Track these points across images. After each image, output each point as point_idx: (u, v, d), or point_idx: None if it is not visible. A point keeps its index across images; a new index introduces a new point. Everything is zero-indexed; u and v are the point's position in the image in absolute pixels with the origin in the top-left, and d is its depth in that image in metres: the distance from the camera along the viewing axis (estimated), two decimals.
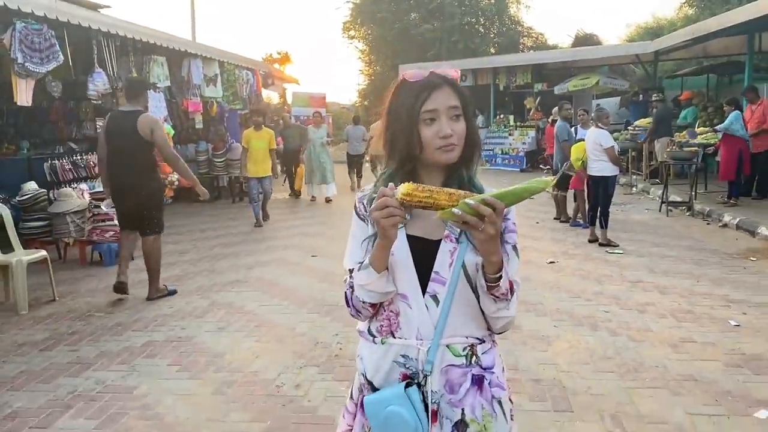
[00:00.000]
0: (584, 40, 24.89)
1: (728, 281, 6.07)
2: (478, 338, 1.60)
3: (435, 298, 1.55)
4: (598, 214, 7.81)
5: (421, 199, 1.39)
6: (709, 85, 18.11)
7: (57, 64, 7.11)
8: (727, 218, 8.99)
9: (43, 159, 8.59)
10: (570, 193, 9.45)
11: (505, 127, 19.43)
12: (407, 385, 1.52)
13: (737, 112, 9.80)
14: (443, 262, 1.54)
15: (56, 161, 8.59)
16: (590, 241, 7.93)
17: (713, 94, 16.96)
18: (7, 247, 5.75)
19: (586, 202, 8.49)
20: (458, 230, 1.52)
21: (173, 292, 6.05)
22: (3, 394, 3.87)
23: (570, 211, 9.44)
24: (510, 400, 1.67)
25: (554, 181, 1.36)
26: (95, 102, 8.45)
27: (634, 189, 13.05)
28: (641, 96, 16.97)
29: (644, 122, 13.97)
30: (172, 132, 10.39)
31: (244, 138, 9.95)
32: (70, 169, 8.69)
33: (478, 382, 1.58)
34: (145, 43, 9.44)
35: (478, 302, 1.55)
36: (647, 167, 13.41)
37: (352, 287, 1.57)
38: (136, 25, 9.24)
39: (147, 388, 3.93)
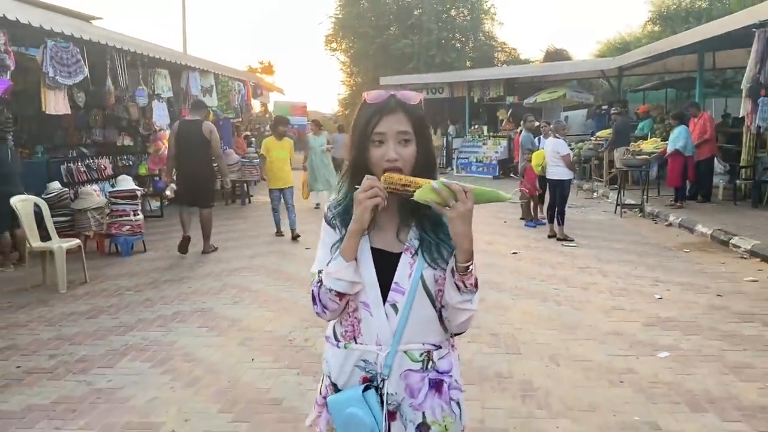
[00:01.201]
0: (555, 55, 26.24)
1: (661, 267, 7.20)
2: (434, 344, 1.71)
3: (394, 306, 1.66)
4: (556, 212, 8.93)
5: (402, 179, 1.57)
6: (668, 99, 19.50)
7: (83, 76, 8.05)
8: (672, 218, 10.18)
9: (59, 162, 9.48)
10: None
11: (479, 137, 20.60)
12: (365, 389, 1.64)
13: (684, 126, 11.02)
14: (403, 273, 1.65)
15: (72, 164, 9.50)
16: (549, 237, 9.04)
17: (672, 107, 18.31)
18: (39, 238, 6.66)
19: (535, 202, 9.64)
20: (417, 244, 1.66)
21: (216, 249, 8.45)
22: (69, 348, 4.82)
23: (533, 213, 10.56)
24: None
25: (512, 197, 1.78)
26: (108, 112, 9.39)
27: (594, 194, 14.27)
28: (603, 109, 18.25)
29: (605, 133, 15.21)
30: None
31: (264, 147, 9.56)
32: (84, 171, 9.60)
33: (436, 385, 1.69)
34: (151, 58, 10.39)
35: (435, 310, 1.69)
36: (607, 174, 14.62)
37: (320, 282, 1.67)
38: (143, 41, 10.20)
39: (184, 342, 4.91)
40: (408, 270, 1.64)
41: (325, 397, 1.75)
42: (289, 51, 65.33)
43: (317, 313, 1.70)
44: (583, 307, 5.70)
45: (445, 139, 21.59)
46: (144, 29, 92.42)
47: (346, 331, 1.71)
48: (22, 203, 6.50)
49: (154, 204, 11.30)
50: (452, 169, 20.42)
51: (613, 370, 4.23)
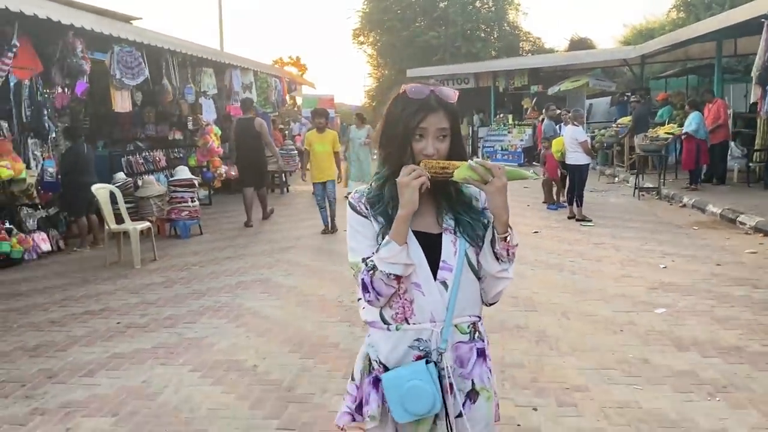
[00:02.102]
0: (578, 43, 26.68)
1: (669, 242, 7.89)
2: (477, 316, 1.84)
3: (444, 283, 1.75)
4: (575, 195, 9.64)
5: (440, 162, 1.70)
6: (690, 86, 19.89)
7: (144, 78, 9.01)
8: (686, 200, 10.81)
9: (120, 155, 10.47)
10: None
11: (504, 126, 21.25)
12: (426, 362, 1.72)
13: (697, 113, 11.62)
14: (449, 251, 1.76)
15: (131, 157, 10.48)
16: (569, 218, 9.76)
17: (693, 93, 18.71)
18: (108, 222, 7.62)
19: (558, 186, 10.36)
20: (453, 224, 1.78)
21: (273, 211, 10.71)
22: (155, 309, 5.74)
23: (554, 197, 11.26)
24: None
25: (533, 175, 1.88)
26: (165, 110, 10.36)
27: (616, 179, 14.89)
28: (626, 96, 18.75)
29: (625, 120, 15.78)
30: (219, 132, 12.26)
31: (306, 140, 9.53)
32: (142, 163, 10.58)
33: (481, 354, 1.82)
34: (199, 58, 11.31)
35: (478, 284, 1.81)
36: (628, 160, 15.21)
37: (371, 269, 1.72)
38: (192, 43, 11.15)
39: (250, 305, 5.80)
40: (452, 248, 1.75)
41: (359, 382, 1.83)
42: (316, 44, 66.24)
43: (369, 301, 1.76)
44: (594, 276, 6.46)
45: (470, 128, 22.27)
46: (179, 27, 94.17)
47: (396, 314, 1.77)
48: (101, 191, 7.46)
49: (203, 193, 12.25)
50: (478, 157, 21.07)
51: (615, 323, 5.00)
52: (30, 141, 7.67)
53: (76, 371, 4.30)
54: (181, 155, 12.09)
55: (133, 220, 8.59)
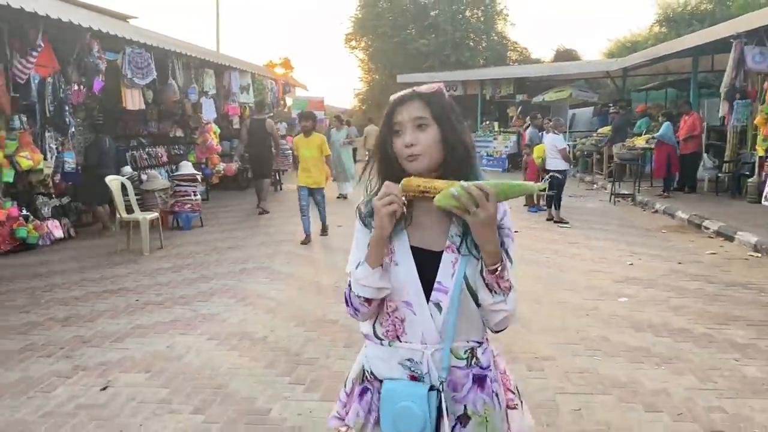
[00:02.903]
0: (564, 54, 27.52)
1: (638, 243, 8.58)
2: (477, 341, 1.72)
3: (438, 306, 1.65)
4: (554, 199, 10.31)
5: (420, 185, 1.55)
6: (669, 98, 20.74)
7: (153, 77, 9.56)
8: (657, 206, 11.53)
9: (125, 150, 10.99)
10: None
11: (490, 132, 21.98)
12: (430, 388, 1.63)
13: (668, 123, 12.39)
14: (446, 272, 1.64)
15: (135, 152, 11.02)
16: (547, 220, 10.44)
17: (671, 106, 19.56)
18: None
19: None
20: (459, 241, 1.64)
21: (267, 212, 11.34)
22: (168, 290, 6.31)
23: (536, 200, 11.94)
24: (515, 389, 1.87)
25: (542, 187, 1.64)
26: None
27: (594, 186, 15.62)
28: (608, 107, 19.54)
29: (605, 130, 16.54)
30: (219, 131, 12.83)
31: (294, 145, 9.31)
32: (146, 158, 11.13)
33: (479, 380, 1.70)
34: (201, 60, 11.86)
35: (478, 308, 1.66)
36: (607, 168, 15.96)
37: (350, 285, 1.69)
38: (195, 46, 11.71)
39: (254, 288, 6.38)
40: (451, 269, 1.64)
41: (362, 390, 1.76)
42: (306, 47, 67.03)
43: (350, 314, 1.74)
44: (567, 270, 7.12)
45: None
46: (174, 26, 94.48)
47: (387, 331, 1.72)
48: (113, 182, 8.00)
49: (200, 188, 12.78)
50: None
51: (582, 308, 5.65)
52: (47, 134, 8.19)
53: (106, 338, 4.87)
54: (182, 152, 12.63)
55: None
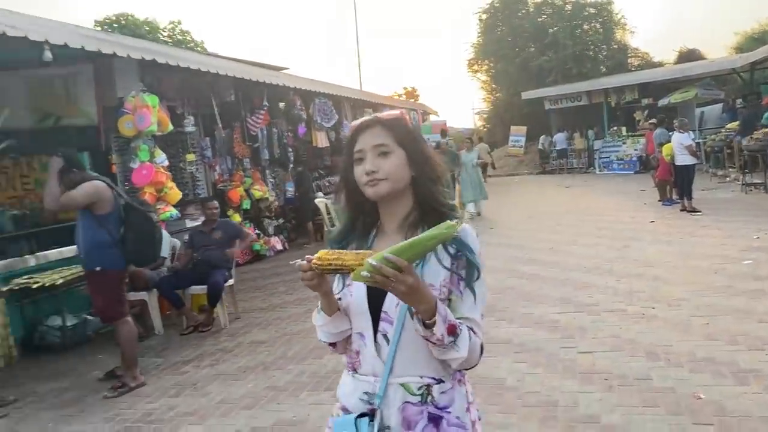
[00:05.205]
0: (688, 55, 27.81)
1: (766, 223, 9.68)
2: (434, 378, 1.62)
3: (386, 337, 1.60)
4: (685, 191, 11.56)
5: (331, 262, 1.46)
6: None
7: (335, 121, 11.96)
8: None
9: (314, 179, 13.52)
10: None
11: (618, 138, 22.97)
12: (360, 415, 1.62)
13: None
14: (391, 302, 1.59)
15: (319, 181, 13.53)
16: (681, 210, 11.66)
17: None
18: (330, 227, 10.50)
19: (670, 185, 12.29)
20: (414, 264, 1.51)
21: None
22: None
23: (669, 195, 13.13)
24: None
25: (459, 225, 1.53)
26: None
27: (727, 179, 16.35)
28: (737, 103, 20.02)
29: (733, 125, 17.19)
30: None
31: None
32: (327, 185, 13.60)
33: (434, 420, 1.61)
34: (364, 101, 14.26)
35: None
36: (738, 161, 16.61)
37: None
38: (360, 90, 14.15)
39: None
40: (396, 299, 1.53)
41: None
42: (425, 73, 70.35)
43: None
44: (698, 245, 8.50)
45: (586, 142, 24.12)
46: (318, 71, 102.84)
47: (348, 362, 1.72)
48: (320, 202, 10.38)
49: None
50: (594, 169, 22.94)
51: (711, 269, 7.08)
52: (267, 171, 10.75)
53: None
54: None
55: None
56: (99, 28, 20.68)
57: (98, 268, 4.84)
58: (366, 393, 1.65)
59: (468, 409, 1.68)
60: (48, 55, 5.57)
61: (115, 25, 22.77)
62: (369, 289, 1.61)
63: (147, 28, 23.31)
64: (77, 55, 6.34)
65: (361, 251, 1.48)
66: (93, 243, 4.81)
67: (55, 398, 5.01)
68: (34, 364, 5.89)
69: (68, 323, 6.36)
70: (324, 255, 1.47)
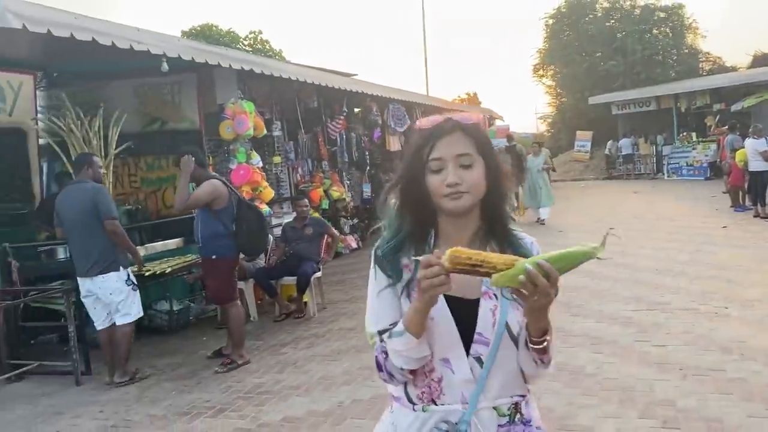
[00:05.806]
0: (762, 59, 27.00)
1: None
2: (521, 395, 1.58)
3: (479, 360, 1.49)
4: (759, 197, 11.50)
5: (470, 257, 1.31)
6: None
7: (408, 125, 12.44)
8: None
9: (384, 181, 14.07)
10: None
11: (688, 143, 22.61)
12: None
13: None
14: (486, 322, 1.48)
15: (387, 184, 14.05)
16: (755, 216, 11.60)
17: None
18: None
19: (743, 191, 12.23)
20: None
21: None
22: None
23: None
24: None
25: (602, 248, 1.35)
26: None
27: None
28: None
29: None
30: None
31: None
32: None
33: None
34: (434, 107, 14.70)
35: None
36: None
37: (384, 352, 1.50)
38: (431, 97, 14.62)
39: None
40: (491, 318, 1.47)
41: None
42: (486, 78, 70.40)
43: (384, 380, 1.55)
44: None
45: (654, 148, 23.84)
46: (383, 76, 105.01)
47: (423, 393, 1.54)
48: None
49: None
50: (662, 174, 22.69)
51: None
52: (344, 173, 11.32)
53: None
54: None
55: None
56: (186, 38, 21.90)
57: (214, 257, 5.44)
58: (445, 422, 1.52)
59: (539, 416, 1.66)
60: (165, 66, 6.24)
61: (199, 36, 23.99)
62: (454, 309, 1.48)
63: (228, 39, 24.41)
64: (182, 65, 6.99)
65: (504, 255, 1.37)
66: (210, 234, 5.41)
67: (173, 371, 5.64)
68: (147, 343, 6.56)
69: (174, 308, 7.03)
70: (458, 251, 1.31)
